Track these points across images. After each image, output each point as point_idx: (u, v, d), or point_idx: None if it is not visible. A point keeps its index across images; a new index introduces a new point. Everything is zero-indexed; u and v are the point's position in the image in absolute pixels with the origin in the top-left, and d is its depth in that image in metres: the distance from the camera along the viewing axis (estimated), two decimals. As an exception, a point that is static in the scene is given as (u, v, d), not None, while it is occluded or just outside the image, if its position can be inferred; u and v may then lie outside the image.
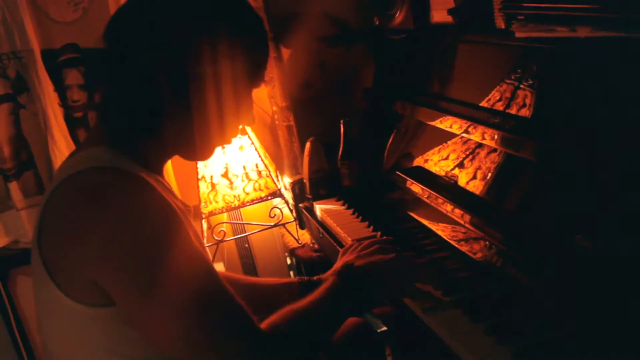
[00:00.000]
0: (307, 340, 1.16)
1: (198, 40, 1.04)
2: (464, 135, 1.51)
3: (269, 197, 2.20)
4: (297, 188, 2.07)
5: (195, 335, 1.00)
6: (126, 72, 1.07)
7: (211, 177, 2.14)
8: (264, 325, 1.09)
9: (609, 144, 1.09)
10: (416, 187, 1.64)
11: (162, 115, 1.08)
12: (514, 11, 1.29)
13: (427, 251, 1.45)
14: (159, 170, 1.17)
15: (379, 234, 1.60)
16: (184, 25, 1.05)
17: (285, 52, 2.11)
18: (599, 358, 0.95)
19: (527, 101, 1.33)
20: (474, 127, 1.45)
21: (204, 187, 2.14)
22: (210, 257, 1.14)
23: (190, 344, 1.00)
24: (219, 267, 2.45)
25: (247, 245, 2.42)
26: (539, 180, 1.29)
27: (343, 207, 1.87)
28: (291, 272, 2.51)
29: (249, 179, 2.15)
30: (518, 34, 1.28)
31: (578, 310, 1.03)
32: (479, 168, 1.45)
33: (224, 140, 1.18)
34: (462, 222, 1.41)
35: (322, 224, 1.85)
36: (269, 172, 2.17)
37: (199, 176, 2.14)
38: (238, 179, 2.14)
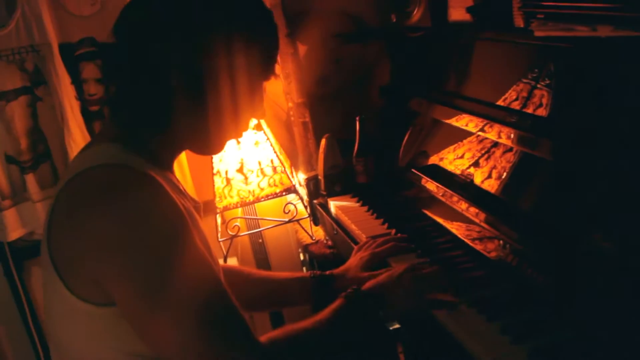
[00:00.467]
0: None
1: (208, 33, 1.04)
2: (480, 133, 1.50)
3: (284, 193, 2.20)
4: (312, 184, 2.07)
5: (192, 345, 0.98)
6: (137, 67, 1.06)
7: (226, 172, 2.14)
8: (264, 338, 1.07)
9: (626, 144, 1.08)
10: (431, 185, 1.63)
11: (174, 110, 1.08)
12: (533, 10, 1.27)
13: (441, 250, 1.45)
14: (169, 166, 1.17)
15: (393, 231, 1.60)
16: (193, 19, 1.04)
17: (302, 49, 2.11)
18: (614, 358, 0.95)
19: (544, 101, 1.33)
20: (490, 126, 1.44)
21: (219, 182, 2.15)
22: (217, 257, 1.14)
23: (187, 352, 0.99)
24: (233, 261, 2.46)
25: (260, 241, 2.43)
26: (555, 180, 1.28)
27: (357, 204, 1.87)
28: (304, 268, 2.52)
29: (264, 175, 2.16)
30: (537, 33, 1.26)
31: (594, 309, 1.02)
32: (494, 167, 1.44)
33: (236, 133, 1.18)
34: (477, 221, 1.40)
35: (336, 220, 1.85)
36: (284, 168, 2.18)
37: (214, 171, 2.15)
38: (253, 175, 2.15)
